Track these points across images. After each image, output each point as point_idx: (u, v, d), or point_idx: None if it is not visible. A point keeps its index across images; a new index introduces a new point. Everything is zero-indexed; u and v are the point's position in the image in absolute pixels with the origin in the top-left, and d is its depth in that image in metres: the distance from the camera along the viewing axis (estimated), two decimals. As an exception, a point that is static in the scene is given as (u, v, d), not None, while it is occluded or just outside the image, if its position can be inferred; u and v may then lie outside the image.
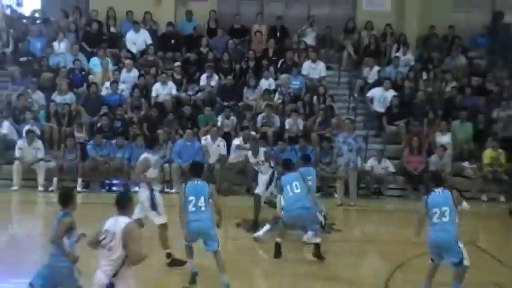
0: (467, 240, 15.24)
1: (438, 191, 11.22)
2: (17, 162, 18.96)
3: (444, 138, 20.45)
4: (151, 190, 12.80)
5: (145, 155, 12.65)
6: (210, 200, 11.92)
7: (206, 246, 11.73)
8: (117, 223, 8.70)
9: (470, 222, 16.06)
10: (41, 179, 18.98)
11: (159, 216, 12.73)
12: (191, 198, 12.06)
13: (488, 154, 20.35)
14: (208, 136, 19.91)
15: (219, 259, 11.48)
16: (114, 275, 8.59)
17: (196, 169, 12.61)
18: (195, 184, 12.15)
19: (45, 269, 9.07)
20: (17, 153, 19.01)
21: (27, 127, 19.47)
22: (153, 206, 12.75)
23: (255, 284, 12.81)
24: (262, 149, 15.86)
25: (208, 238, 11.66)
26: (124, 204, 8.91)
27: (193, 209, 11.96)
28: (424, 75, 22.92)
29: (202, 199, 11.98)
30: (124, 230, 8.62)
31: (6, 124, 19.82)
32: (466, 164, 20.55)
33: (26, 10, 23.92)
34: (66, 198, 9.22)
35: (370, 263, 14.60)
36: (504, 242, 16.84)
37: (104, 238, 8.68)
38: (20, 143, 19.06)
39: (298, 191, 12.95)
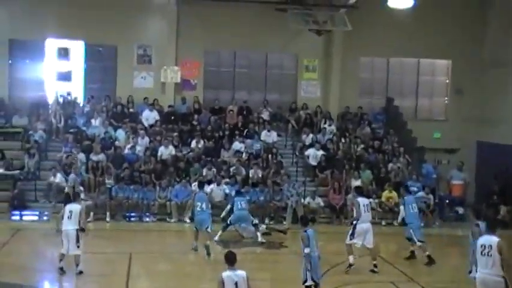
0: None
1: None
2: (65, 201, 18.71)
3: (356, 183, 20.35)
4: None
5: None
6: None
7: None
8: (491, 239, 9.16)
9: (376, 239, 16.11)
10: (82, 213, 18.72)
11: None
12: (198, 203, 14.98)
13: (385, 194, 20.44)
14: (196, 183, 19.78)
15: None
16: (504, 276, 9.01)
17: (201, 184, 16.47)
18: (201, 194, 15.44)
19: None
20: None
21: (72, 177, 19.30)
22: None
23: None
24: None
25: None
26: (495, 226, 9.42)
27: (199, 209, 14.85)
28: (343, 140, 23.04)
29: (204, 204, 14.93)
30: (498, 243, 9.04)
31: (58, 175, 19.54)
32: (371, 200, 20.56)
33: (73, 97, 23.75)
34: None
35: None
36: (397, 251, 16.84)
37: (482, 250, 9.14)
38: (68, 188, 18.83)
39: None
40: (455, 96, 25.47)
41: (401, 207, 14.76)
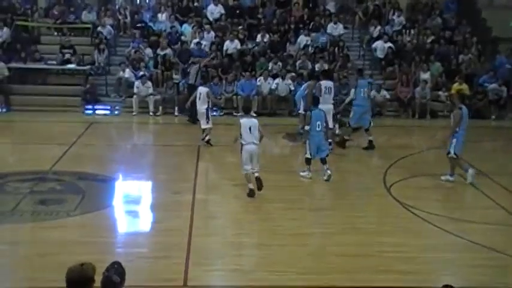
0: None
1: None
2: (135, 96, 19.06)
3: (425, 76, 19.94)
4: None
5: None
6: None
7: None
8: None
9: (443, 132, 15.80)
10: (151, 107, 19.10)
11: None
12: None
13: (455, 86, 19.76)
14: (262, 77, 19.72)
15: None
16: None
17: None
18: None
19: None
20: (135, 90, 19.10)
21: (141, 72, 19.52)
22: None
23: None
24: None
25: None
26: None
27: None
28: (412, 32, 22.23)
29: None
30: None
31: (127, 70, 19.81)
32: (440, 92, 20.10)
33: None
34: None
35: (374, 161, 14.46)
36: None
37: None
38: (137, 83, 19.12)
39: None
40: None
41: (352, 90, 15.08)
